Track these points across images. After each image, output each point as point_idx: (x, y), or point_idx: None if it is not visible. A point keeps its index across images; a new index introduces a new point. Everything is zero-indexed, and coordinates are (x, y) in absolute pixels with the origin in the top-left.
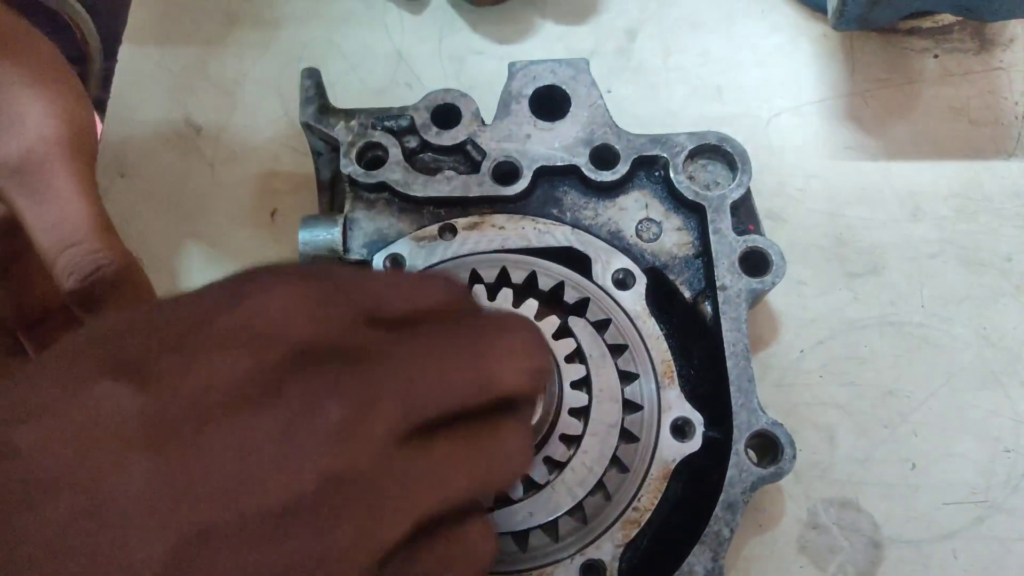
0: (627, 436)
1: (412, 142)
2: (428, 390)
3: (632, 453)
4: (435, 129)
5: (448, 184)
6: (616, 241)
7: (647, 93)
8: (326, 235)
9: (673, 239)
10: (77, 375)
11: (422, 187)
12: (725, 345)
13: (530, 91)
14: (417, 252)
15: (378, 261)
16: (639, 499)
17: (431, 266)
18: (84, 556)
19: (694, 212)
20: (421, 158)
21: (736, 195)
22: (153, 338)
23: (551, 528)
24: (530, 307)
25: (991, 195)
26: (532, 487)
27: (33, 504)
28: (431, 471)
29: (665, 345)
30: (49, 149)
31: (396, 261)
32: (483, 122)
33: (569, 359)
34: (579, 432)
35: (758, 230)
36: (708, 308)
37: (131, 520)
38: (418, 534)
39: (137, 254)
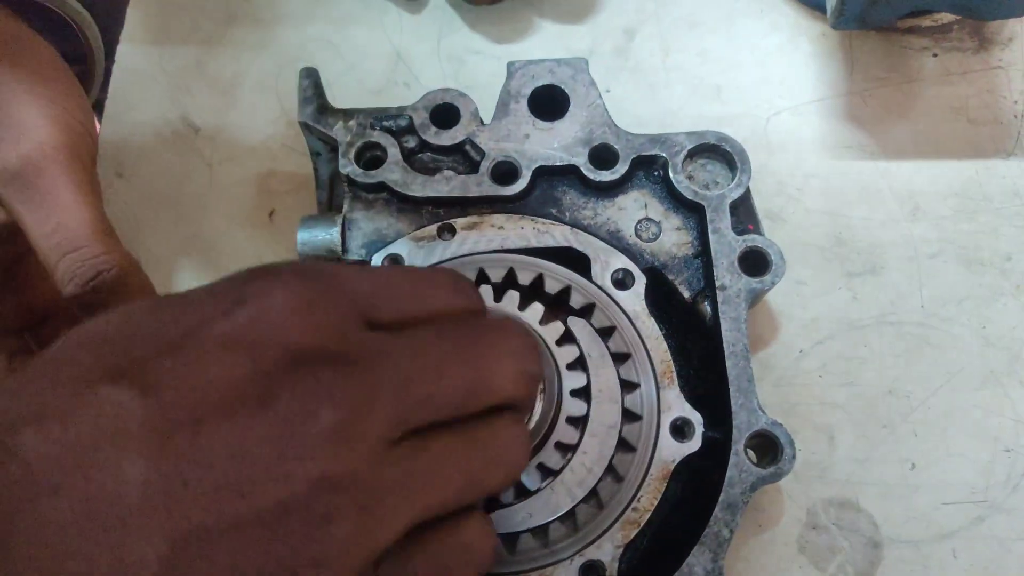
0: (626, 437)
1: (411, 142)
2: (423, 394)
3: (631, 454)
4: (434, 129)
5: (447, 184)
6: (615, 241)
7: (646, 93)
8: (325, 235)
9: (672, 239)
10: (78, 378)
11: (421, 187)
12: (724, 345)
13: (529, 91)
14: (416, 252)
15: (377, 261)
16: (639, 499)
17: (431, 266)
18: (83, 557)
19: (693, 212)
20: (420, 158)
21: (735, 195)
22: (153, 341)
23: (551, 529)
24: (536, 311)
25: (990, 194)
26: (524, 493)
27: (34, 506)
28: (425, 472)
29: (664, 345)
30: (48, 155)
31: (395, 261)
32: (482, 122)
33: (570, 365)
34: (575, 440)
35: (757, 230)
36: (707, 308)
37: (129, 522)
38: (414, 534)
39: (135, 255)
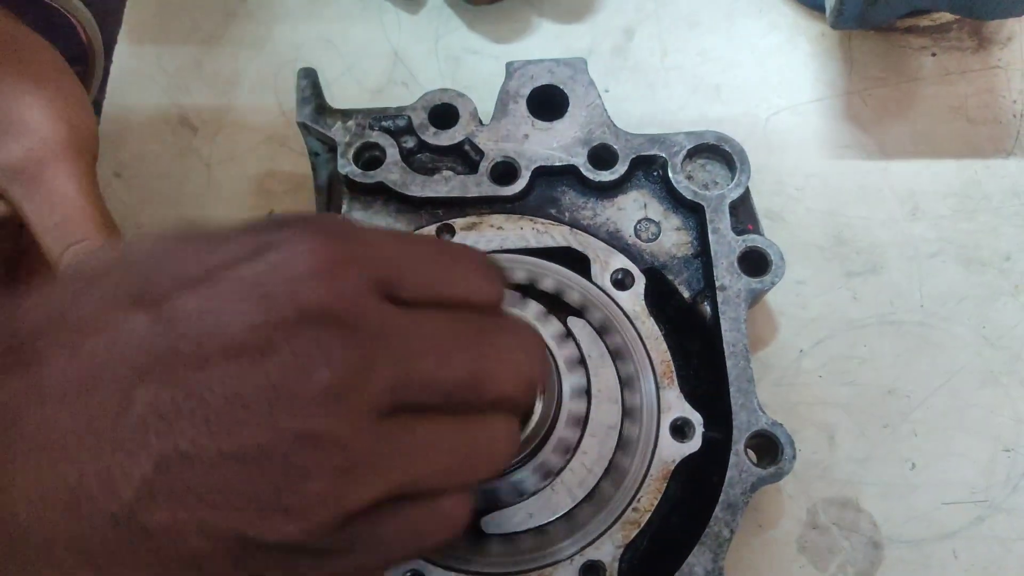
0: (626, 437)
1: (410, 142)
2: (422, 375)
3: (631, 454)
4: (433, 129)
5: (446, 184)
6: (615, 241)
7: (645, 93)
8: None
9: (672, 239)
10: (104, 297)
11: (420, 187)
12: (724, 345)
13: (528, 91)
14: None
15: None
16: (639, 500)
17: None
18: (76, 465)
19: (693, 212)
20: (419, 158)
21: (735, 195)
22: (176, 274)
23: (551, 528)
24: (533, 310)
25: (990, 194)
26: (522, 494)
27: (42, 410)
28: (407, 450)
29: (664, 345)
30: (52, 150)
31: None
32: (481, 122)
33: (570, 365)
34: (574, 443)
35: (757, 230)
36: (707, 308)
37: (124, 439)
38: (387, 503)
39: None
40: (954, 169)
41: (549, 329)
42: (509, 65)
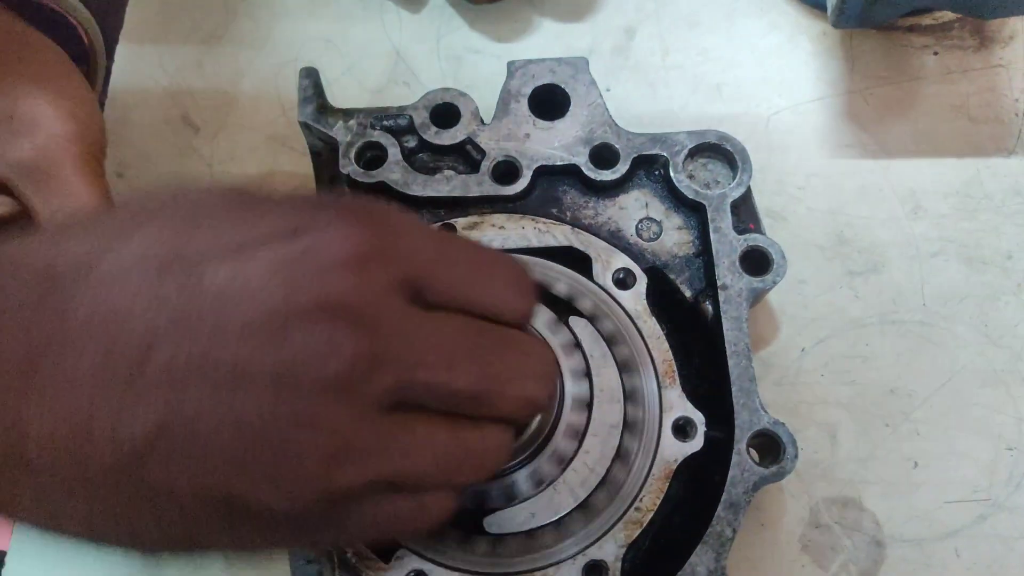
0: (628, 436)
1: (411, 142)
2: (427, 379)
3: (633, 453)
4: (434, 128)
5: (447, 184)
6: (616, 240)
7: (646, 92)
8: None
9: (673, 238)
10: (144, 250)
11: (421, 187)
12: (726, 344)
13: (529, 90)
14: None
15: None
16: (641, 499)
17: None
18: (86, 414)
19: (694, 211)
20: (420, 158)
21: (736, 194)
22: (213, 240)
23: (553, 528)
24: (544, 318)
25: (991, 193)
26: (515, 497)
27: (62, 350)
28: (402, 445)
29: (666, 344)
30: (62, 147)
31: None
32: (482, 121)
33: (575, 375)
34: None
35: (758, 229)
36: (709, 307)
37: (138, 394)
38: (370, 491)
39: None
40: (956, 168)
41: (559, 338)
42: (510, 64)
